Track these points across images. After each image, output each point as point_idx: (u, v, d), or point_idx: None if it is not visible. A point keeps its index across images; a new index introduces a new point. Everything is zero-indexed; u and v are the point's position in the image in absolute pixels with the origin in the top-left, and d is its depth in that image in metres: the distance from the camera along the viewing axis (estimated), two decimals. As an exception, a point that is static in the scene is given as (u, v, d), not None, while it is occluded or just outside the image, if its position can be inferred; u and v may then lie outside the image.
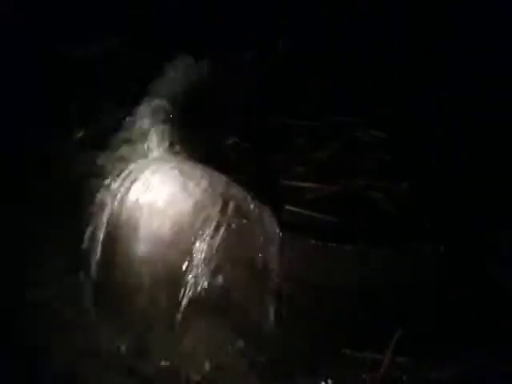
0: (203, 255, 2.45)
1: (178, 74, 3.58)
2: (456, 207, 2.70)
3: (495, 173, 2.88)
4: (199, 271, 2.49)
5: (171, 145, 2.97)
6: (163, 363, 2.44)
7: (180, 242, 2.46)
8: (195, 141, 3.07)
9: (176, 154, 2.70)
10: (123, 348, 2.48)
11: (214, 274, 2.50)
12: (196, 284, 2.48)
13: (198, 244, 2.43)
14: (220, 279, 2.50)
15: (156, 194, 2.53)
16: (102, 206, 2.67)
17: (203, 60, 3.65)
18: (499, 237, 2.57)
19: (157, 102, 3.40)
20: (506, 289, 2.54)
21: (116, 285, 2.52)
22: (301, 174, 2.95)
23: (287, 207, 2.73)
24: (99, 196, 2.66)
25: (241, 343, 2.55)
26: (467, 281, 2.61)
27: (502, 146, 3.06)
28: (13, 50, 3.16)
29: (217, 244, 2.41)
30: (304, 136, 3.23)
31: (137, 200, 2.59)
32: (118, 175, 2.74)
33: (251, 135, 3.19)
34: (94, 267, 2.57)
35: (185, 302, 2.48)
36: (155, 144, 3.02)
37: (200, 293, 2.52)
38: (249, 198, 2.52)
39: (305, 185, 2.87)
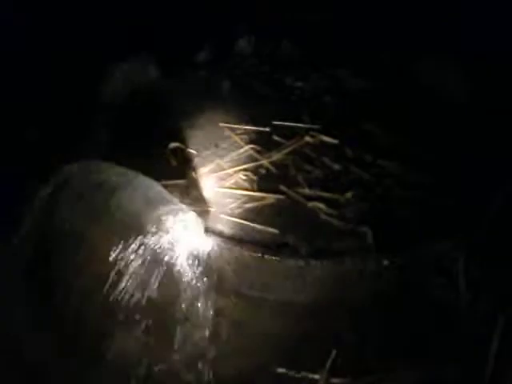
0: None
1: (124, 76, 3.46)
2: (397, 219, 2.61)
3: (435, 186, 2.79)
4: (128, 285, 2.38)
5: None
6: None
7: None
8: (135, 145, 2.94)
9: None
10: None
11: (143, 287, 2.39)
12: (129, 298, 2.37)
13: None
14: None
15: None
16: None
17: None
18: (440, 249, 2.49)
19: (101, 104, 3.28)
20: (443, 300, 2.46)
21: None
22: (243, 181, 2.80)
23: (224, 216, 2.60)
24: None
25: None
26: (409, 295, 2.52)
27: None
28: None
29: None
30: (251, 141, 3.09)
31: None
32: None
33: (193, 140, 3.06)
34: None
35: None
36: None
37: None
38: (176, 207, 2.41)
39: (245, 193, 2.73)
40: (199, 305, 2.44)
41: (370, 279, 2.48)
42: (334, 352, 2.32)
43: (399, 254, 2.48)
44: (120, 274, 2.41)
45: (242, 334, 2.48)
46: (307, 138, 3.13)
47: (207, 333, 2.44)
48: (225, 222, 2.56)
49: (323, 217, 2.62)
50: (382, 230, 2.55)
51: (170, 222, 2.45)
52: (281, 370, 2.38)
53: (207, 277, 2.47)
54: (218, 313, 2.47)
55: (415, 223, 2.60)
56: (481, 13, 3.47)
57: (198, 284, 2.45)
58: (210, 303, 2.46)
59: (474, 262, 2.52)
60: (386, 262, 2.46)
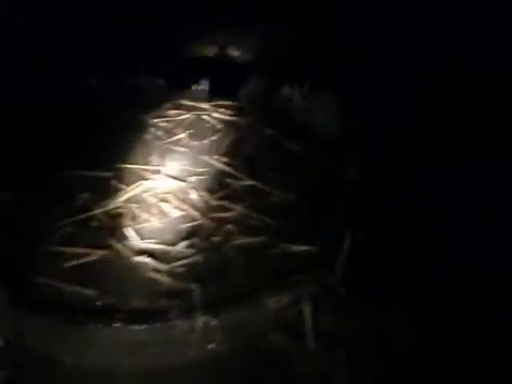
0: None
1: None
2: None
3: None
4: None
5: None
6: None
7: None
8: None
9: None
10: None
11: None
12: None
13: None
14: None
15: None
16: None
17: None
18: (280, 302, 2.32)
19: None
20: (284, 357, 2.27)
21: None
22: (70, 237, 2.54)
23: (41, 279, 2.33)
24: None
25: None
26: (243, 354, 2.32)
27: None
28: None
29: None
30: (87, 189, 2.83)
31: None
32: None
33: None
34: None
35: None
36: None
37: None
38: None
39: (69, 249, 2.46)
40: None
41: (198, 341, 2.24)
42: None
43: (230, 313, 2.26)
44: None
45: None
46: (149, 183, 2.87)
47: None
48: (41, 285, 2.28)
49: (150, 274, 2.37)
50: (213, 285, 2.34)
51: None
52: None
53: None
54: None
55: (251, 275, 2.39)
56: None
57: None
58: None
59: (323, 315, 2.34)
60: (214, 322, 2.24)
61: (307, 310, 2.33)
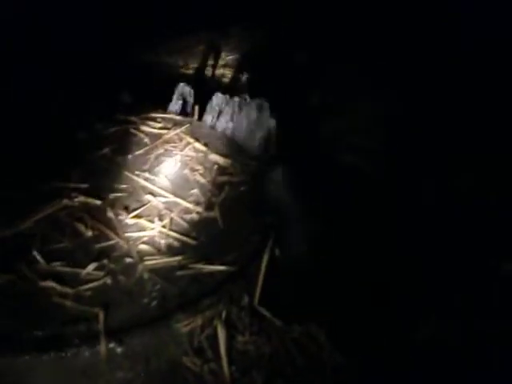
0: None
1: None
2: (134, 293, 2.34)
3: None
4: None
5: None
6: None
7: None
8: None
9: None
10: None
11: None
12: None
13: None
14: None
15: None
16: None
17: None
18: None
19: None
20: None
21: None
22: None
23: None
24: None
25: None
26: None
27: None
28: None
29: None
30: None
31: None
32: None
33: None
34: None
35: None
36: None
37: None
38: None
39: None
40: None
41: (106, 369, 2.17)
42: None
43: (139, 338, 2.20)
44: None
45: None
46: (66, 201, 2.78)
47: None
48: None
49: (55, 298, 2.29)
50: (121, 309, 2.27)
51: None
52: None
53: None
54: None
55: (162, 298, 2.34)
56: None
57: None
58: None
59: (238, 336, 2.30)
60: (121, 349, 2.18)
61: (221, 332, 2.28)
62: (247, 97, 3.65)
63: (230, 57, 5.08)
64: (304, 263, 2.59)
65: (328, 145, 3.56)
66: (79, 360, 2.18)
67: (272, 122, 3.48)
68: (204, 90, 3.87)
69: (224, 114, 3.60)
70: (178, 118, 3.67)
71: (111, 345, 2.21)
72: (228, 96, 3.62)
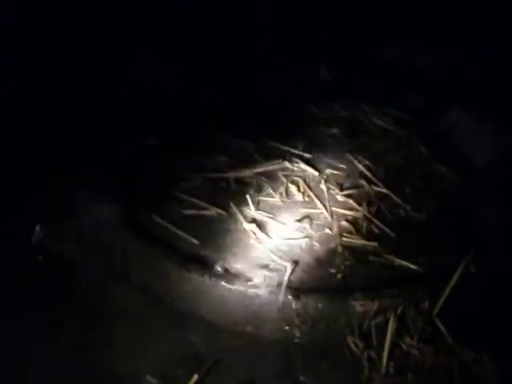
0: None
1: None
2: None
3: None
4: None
5: None
6: None
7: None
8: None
9: None
10: None
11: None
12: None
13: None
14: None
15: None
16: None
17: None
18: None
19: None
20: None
21: None
22: (197, 190, 2.73)
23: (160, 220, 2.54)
24: None
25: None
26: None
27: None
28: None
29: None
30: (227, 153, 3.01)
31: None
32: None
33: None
34: None
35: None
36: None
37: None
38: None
39: (191, 199, 2.65)
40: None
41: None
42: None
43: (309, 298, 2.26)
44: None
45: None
46: (287, 163, 2.97)
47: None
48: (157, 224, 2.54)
49: (251, 240, 2.46)
50: (304, 269, 2.35)
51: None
52: None
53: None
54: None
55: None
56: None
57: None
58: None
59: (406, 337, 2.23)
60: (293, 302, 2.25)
61: (392, 325, 2.21)
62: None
63: None
64: (500, 287, 2.37)
65: None
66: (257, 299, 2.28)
67: None
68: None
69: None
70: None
71: (289, 297, 2.26)
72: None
